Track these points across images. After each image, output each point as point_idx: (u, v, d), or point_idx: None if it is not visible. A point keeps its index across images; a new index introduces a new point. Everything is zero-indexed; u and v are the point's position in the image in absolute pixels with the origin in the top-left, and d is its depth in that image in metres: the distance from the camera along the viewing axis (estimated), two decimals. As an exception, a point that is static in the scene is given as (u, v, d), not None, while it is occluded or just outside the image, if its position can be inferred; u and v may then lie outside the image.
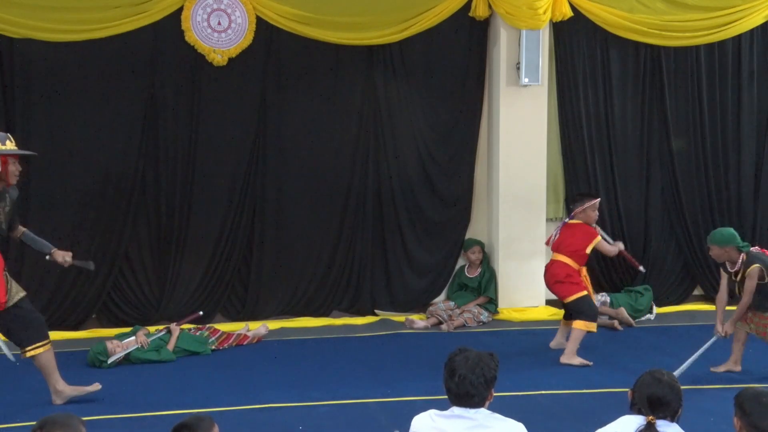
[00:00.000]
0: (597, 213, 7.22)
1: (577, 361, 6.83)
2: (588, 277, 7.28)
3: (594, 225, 7.22)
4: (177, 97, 8.00)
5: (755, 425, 3.22)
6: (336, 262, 8.52)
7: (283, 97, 8.22)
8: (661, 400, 3.35)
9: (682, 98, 8.85)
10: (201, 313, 7.70)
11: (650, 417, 3.33)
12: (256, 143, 8.21)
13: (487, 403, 3.43)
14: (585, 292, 7.04)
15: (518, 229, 8.55)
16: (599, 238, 7.17)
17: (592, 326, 6.95)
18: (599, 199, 7.37)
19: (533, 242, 8.60)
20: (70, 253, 6.04)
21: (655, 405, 3.34)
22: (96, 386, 5.94)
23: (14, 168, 5.74)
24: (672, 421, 3.37)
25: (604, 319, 8.04)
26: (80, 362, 6.93)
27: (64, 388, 5.84)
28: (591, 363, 6.79)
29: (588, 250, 7.12)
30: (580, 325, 6.91)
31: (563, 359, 6.87)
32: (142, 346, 7.01)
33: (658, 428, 3.32)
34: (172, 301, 8.12)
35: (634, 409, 3.43)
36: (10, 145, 5.71)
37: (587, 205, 7.13)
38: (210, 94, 8.03)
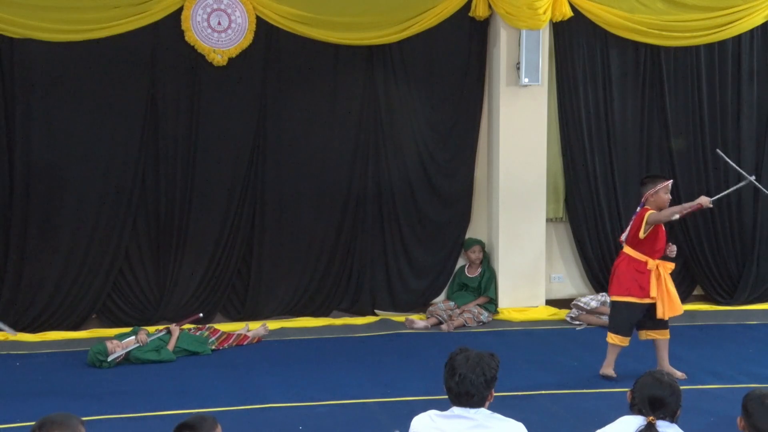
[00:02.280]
0: (669, 196, 6.36)
1: (608, 371, 6.41)
2: (663, 273, 6.31)
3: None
4: (177, 97, 8.00)
5: (756, 426, 3.26)
6: (336, 262, 8.51)
7: (283, 97, 8.22)
8: (662, 400, 3.37)
9: (682, 98, 8.84)
10: (201, 315, 7.69)
11: (651, 417, 3.34)
12: (256, 143, 8.20)
13: (487, 403, 3.43)
14: (626, 298, 6.33)
15: (518, 229, 8.55)
16: (650, 211, 6.25)
17: (617, 339, 6.39)
18: (671, 181, 6.50)
19: (533, 242, 8.60)
20: None
21: (655, 405, 3.37)
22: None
23: None
24: (672, 421, 3.39)
25: (604, 319, 8.03)
26: (80, 362, 6.93)
27: None
28: (614, 375, 6.38)
29: (642, 234, 6.27)
30: (608, 337, 6.47)
31: (601, 371, 6.45)
32: (141, 343, 7.00)
33: (658, 428, 3.33)
34: (172, 301, 8.12)
35: (634, 409, 3.44)
36: None
37: (660, 187, 6.30)
38: (210, 94, 8.03)
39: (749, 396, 3.37)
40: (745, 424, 3.32)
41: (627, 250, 6.43)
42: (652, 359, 6.53)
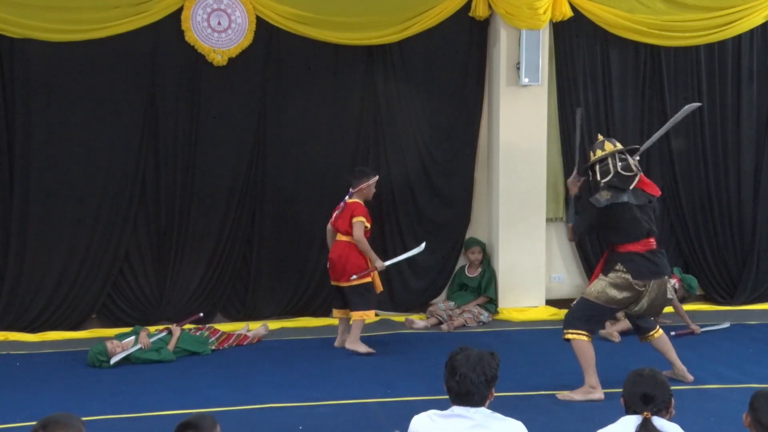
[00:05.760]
0: (374, 191, 7.32)
1: (363, 348, 7.11)
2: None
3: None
4: (177, 97, 8.00)
5: (760, 422, 3.29)
6: (336, 262, 8.50)
7: (283, 97, 8.22)
8: (648, 395, 3.40)
9: (682, 98, 8.82)
10: (201, 314, 7.69)
11: (645, 413, 3.36)
12: (256, 143, 8.21)
13: (487, 403, 3.43)
14: (367, 279, 7.18)
15: (518, 229, 8.55)
16: (360, 218, 7.08)
17: (371, 314, 7.26)
18: (377, 177, 7.39)
19: (533, 242, 8.60)
20: None
21: (645, 401, 3.41)
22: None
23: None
24: (665, 413, 3.42)
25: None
26: (80, 362, 6.92)
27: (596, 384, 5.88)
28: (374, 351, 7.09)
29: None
30: (362, 315, 7.16)
31: (348, 345, 7.14)
32: (144, 347, 7.00)
33: (655, 424, 3.35)
34: (172, 301, 8.12)
35: (629, 411, 3.47)
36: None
37: (372, 181, 7.24)
38: (210, 94, 8.04)
39: (757, 394, 3.42)
40: (751, 420, 3.35)
41: (343, 237, 7.18)
42: (653, 359, 6.53)
